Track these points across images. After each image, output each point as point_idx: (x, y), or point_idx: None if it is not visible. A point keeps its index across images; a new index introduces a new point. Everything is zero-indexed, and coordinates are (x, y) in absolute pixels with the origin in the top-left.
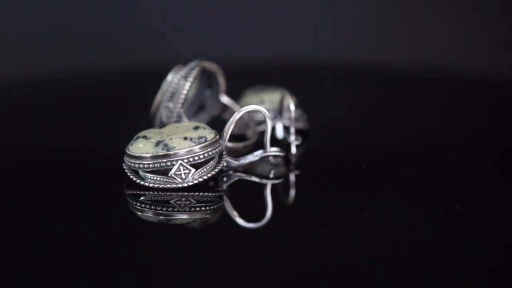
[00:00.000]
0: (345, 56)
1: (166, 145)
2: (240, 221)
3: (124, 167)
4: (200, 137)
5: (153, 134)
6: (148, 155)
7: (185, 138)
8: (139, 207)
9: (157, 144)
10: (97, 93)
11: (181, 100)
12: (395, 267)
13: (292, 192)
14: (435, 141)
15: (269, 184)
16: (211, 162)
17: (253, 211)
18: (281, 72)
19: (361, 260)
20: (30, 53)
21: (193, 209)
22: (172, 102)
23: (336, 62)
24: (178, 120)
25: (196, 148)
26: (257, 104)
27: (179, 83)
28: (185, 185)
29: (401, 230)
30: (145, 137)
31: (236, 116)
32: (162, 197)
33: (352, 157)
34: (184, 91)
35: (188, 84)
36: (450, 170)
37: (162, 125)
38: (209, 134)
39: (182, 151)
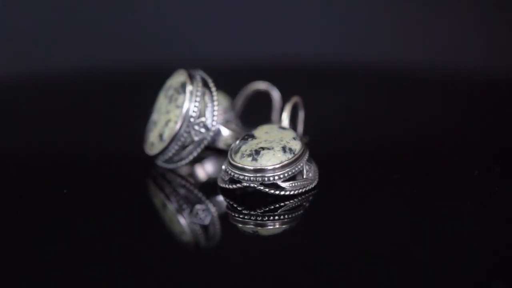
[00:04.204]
0: (342, 56)
1: (290, 149)
2: None
3: (254, 185)
4: (296, 135)
5: (269, 143)
6: (284, 163)
7: (294, 138)
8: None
9: (285, 151)
10: (96, 91)
11: (216, 112)
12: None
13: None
14: (434, 141)
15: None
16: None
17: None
18: (275, 72)
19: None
20: (29, 52)
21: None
22: (204, 117)
23: (332, 62)
24: (213, 134)
25: (302, 145)
26: None
27: (204, 97)
28: (315, 183)
29: (401, 229)
30: (265, 148)
31: (288, 108)
32: (296, 203)
33: (349, 157)
34: (216, 102)
35: (215, 93)
36: (449, 171)
37: (249, 134)
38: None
39: (302, 151)
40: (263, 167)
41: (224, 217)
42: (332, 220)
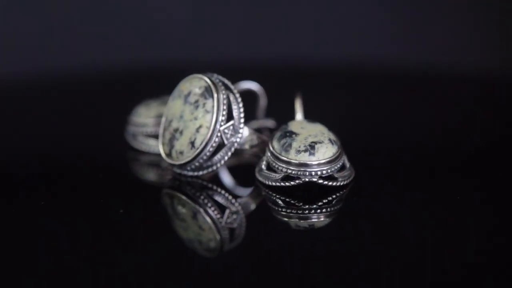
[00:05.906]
0: (342, 56)
1: (334, 140)
2: None
3: (314, 179)
4: (326, 127)
5: (315, 137)
6: (336, 155)
7: (329, 130)
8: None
9: (332, 143)
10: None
11: (242, 114)
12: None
13: None
14: (434, 141)
15: None
16: None
17: None
18: (274, 72)
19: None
20: (29, 52)
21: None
22: (232, 120)
23: (332, 62)
24: (241, 136)
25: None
26: None
27: (229, 99)
28: (355, 172)
29: (404, 229)
30: (317, 142)
31: (299, 102)
32: (347, 193)
33: (349, 157)
34: (241, 104)
35: (238, 94)
36: (449, 171)
37: (288, 131)
38: None
39: (340, 142)
40: (322, 160)
41: (250, 218)
42: (371, 210)
